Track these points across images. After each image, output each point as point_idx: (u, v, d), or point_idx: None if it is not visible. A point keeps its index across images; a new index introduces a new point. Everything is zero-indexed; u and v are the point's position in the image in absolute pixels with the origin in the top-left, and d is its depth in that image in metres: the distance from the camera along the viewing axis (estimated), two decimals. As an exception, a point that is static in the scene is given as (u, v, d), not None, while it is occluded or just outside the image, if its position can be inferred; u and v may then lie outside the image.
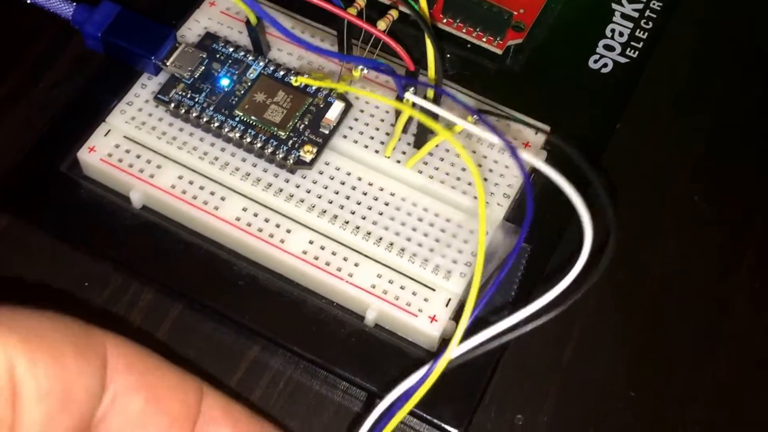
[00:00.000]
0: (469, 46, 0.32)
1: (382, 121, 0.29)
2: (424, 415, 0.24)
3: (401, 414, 0.20)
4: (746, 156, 0.31)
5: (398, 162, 0.28)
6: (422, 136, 0.27)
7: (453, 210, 0.27)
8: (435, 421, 0.24)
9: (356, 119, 0.29)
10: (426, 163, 0.28)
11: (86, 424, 0.16)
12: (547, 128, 0.29)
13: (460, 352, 0.21)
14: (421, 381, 0.21)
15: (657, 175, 0.30)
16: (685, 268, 0.28)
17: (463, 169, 0.28)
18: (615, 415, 0.25)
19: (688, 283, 0.28)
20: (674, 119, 0.31)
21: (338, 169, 0.27)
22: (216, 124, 0.27)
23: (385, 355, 0.25)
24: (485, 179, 0.28)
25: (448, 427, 0.24)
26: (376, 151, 0.28)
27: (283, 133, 0.27)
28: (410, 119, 0.28)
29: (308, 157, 0.27)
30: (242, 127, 0.27)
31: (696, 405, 0.26)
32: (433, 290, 0.25)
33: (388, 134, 0.28)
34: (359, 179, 0.27)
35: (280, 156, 0.27)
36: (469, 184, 0.27)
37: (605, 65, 0.32)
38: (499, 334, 0.22)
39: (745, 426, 0.26)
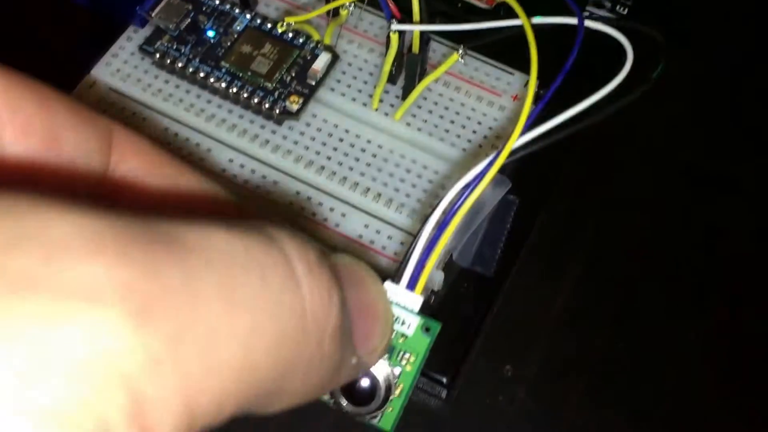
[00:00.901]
0: (459, 5, 0.31)
1: (371, 74, 0.28)
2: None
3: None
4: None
5: (386, 115, 0.28)
6: (410, 85, 0.27)
7: (441, 162, 0.27)
8: (423, 369, 0.24)
9: (344, 72, 0.28)
10: (414, 116, 0.28)
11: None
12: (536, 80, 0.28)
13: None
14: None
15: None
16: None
17: (452, 122, 0.27)
18: (603, 366, 0.25)
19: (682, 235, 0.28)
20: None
21: (325, 121, 0.27)
22: (202, 75, 0.27)
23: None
24: (474, 131, 0.27)
25: (436, 375, 0.24)
26: (364, 104, 0.28)
27: (269, 84, 0.27)
28: (398, 69, 0.27)
29: (294, 107, 0.27)
30: (228, 78, 0.27)
31: (681, 357, 0.26)
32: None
33: (376, 88, 0.28)
34: (346, 131, 0.27)
35: (267, 106, 0.27)
36: (458, 136, 0.27)
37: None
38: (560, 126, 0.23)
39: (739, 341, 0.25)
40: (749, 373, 0.25)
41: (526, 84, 0.28)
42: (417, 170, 0.26)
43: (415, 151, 0.27)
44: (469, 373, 0.25)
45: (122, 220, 0.12)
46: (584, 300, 0.26)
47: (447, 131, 0.27)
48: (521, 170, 0.27)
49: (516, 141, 0.22)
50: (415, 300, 0.19)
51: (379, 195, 0.26)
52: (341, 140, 0.27)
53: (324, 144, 0.27)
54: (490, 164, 0.21)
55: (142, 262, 0.11)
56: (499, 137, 0.27)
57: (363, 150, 0.27)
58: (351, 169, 0.26)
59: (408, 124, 0.27)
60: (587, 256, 0.27)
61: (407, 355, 0.19)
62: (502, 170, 0.27)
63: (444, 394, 0.24)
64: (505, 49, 0.28)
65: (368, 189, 0.26)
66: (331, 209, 0.26)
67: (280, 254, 0.13)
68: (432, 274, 0.25)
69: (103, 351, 0.10)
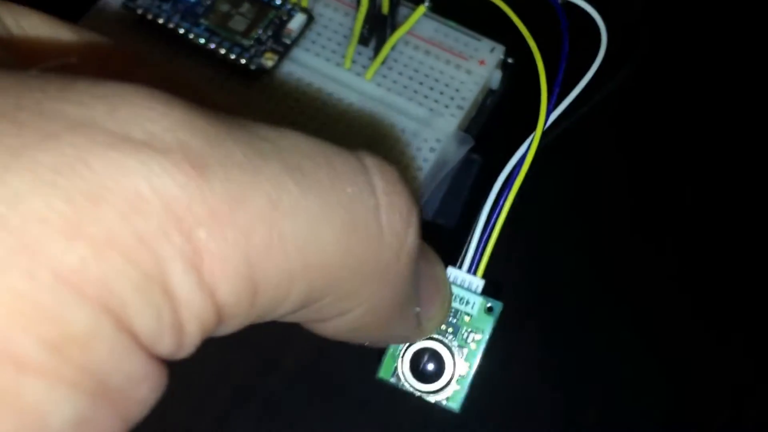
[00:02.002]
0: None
1: (345, 37, 0.30)
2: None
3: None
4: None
5: (358, 75, 0.29)
6: (381, 46, 0.28)
7: (408, 120, 0.28)
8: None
9: (319, 34, 0.29)
10: (385, 77, 0.29)
11: None
12: (502, 47, 0.30)
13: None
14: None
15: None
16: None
17: (421, 83, 0.29)
18: (560, 311, 0.26)
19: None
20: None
21: (299, 80, 0.28)
22: (181, 31, 0.28)
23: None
24: (441, 93, 0.29)
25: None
26: (338, 65, 0.29)
27: (246, 42, 0.28)
28: (370, 31, 0.29)
29: (269, 63, 0.28)
30: (207, 35, 0.28)
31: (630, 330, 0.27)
32: (385, 191, 0.26)
33: (348, 47, 0.29)
34: (319, 90, 0.28)
35: (243, 62, 0.28)
36: (426, 96, 0.28)
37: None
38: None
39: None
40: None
41: (492, 50, 0.29)
42: (385, 128, 0.28)
43: (384, 109, 0.28)
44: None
45: (191, 102, 0.11)
46: (546, 251, 0.28)
47: (415, 92, 0.28)
48: (487, 132, 0.29)
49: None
50: (477, 283, 0.20)
51: (348, 149, 0.27)
52: (314, 98, 0.28)
53: (297, 101, 0.28)
54: (528, 149, 0.22)
55: (206, 130, 0.11)
56: (465, 98, 0.28)
57: (335, 107, 0.28)
58: (324, 124, 0.27)
59: (379, 85, 0.29)
60: (551, 212, 0.28)
61: (472, 334, 0.19)
62: (466, 129, 0.29)
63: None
64: (474, 16, 0.29)
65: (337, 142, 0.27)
66: (302, 161, 0.27)
67: (356, 160, 0.13)
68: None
69: (161, 191, 0.10)
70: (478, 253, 0.20)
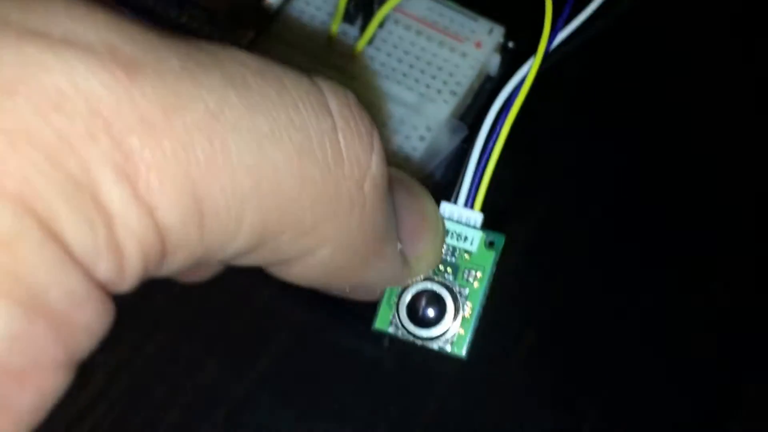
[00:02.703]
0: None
1: (329, 14, 0.27)
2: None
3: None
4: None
5: (343, 56, 0.26)
6: (368, 21, 0.26)
7: (396, 106, 0.26)
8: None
9: (302, 11, 0.27)
10: (372, 58, 0.26)
11: None
12: (502, 29, 0.27)
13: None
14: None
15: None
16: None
17: (411, 66, 0.26)
18: (551, 327, 0.24)
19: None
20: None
21: (279, 58, 0.26)
22: (150, 2, 0.26)
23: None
24: (433, 77, 0.26)
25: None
26: (321, 44, 0.27)
27: (221, 16, 0.26)
28: (356, 9, 0.26)
29: (244, 41, 0.25)
30: (178, 9, 0.26)
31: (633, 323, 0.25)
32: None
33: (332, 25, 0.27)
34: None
35: (216, 38, 0.25)
36: (416, 80, 0.26)
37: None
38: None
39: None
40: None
41: (490, 31, 0.27)
42: (371, 113, 0.25)
43: (371, 93, 0.26)
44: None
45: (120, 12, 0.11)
46: (545, 247, 0.25)
47: (404, 75, 0.26)
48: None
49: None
50: (476, 216, 0.18)
51: (329, 136, 0.25)
52: (293, 79, 0.26)
53: (275, 82, 0.26)
54: (528, 71, 0.20)
55: (135, 34, 0.10)
56: (459, 84, 0.26)
57: (315, 90, 0.26)
58: (302, 108, 0.25)
59: (365, 67, 0.26)
60: (549, 206, 0.26)
61: (473, 273, 0.17)
62: (460, 118, 0.26)
63: (387, 342, 0.23)
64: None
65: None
66: (278, 148, 0.24)
67: (309, 81, 0.12)
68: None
69: (84, 90, 0.09)
70: (475, 185, 0.18)
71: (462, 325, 0.17)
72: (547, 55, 0.20)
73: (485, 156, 0.18)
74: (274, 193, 0.11)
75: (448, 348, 0.17)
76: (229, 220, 0.11)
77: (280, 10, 0.26)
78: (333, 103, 0.12)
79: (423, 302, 0.17)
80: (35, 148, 0.09)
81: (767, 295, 0.25)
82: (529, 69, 0.20)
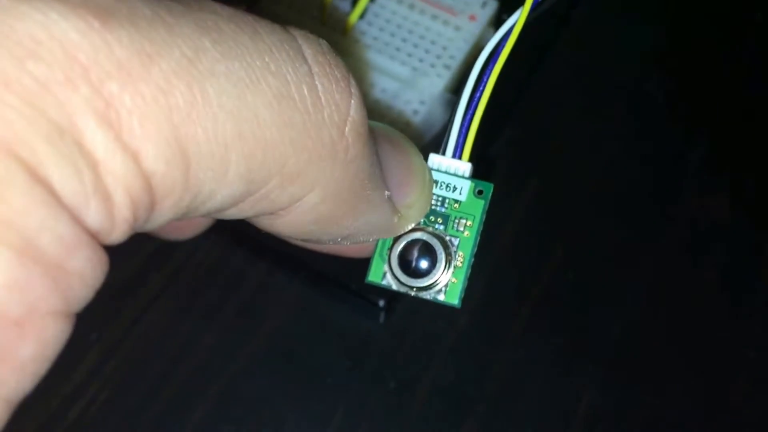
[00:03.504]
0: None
1: (322, -11, 0.27)
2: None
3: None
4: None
5: (335, 30, 0.26)
6: (359, -3, 0.26)
7: (389, 80, 0.25)
8: (361, 292, 0.23)
9: (293, -14, 0.27)
10: (364, 33, 0.26)
11: None
12: (496, 2, 0.27)
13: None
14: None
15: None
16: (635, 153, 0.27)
17: (404, 40, 0.26)
18: (547, 298, 0.24)
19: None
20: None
21: (270, 34, 0.26)
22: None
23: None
24: (426, 51, 0.26)
25: (372, 299, 0.23)
26: (313, 18, 0.26)
27: None
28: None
29: (235, 15, 0.25)
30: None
31: (634, 289, 0.24)
32: (362, 157, 0.24)
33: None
34: (292, 45, 0.26)
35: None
36: (409, 55, 0.26)
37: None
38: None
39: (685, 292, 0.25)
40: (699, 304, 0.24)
41: (484, 5, 0.27)
42: (363, 88, 0.25)
43: (363, 68, 0.25)
44: (409, 302, 0.24)
45: None
46: (533, 230, 0.25)
47: (398, 49, 0.26)
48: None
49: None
50: (464, 166, 0.18)
51: (322, 111, 0.24)
52: (285, 54, 0.25)
53: (267, 57, 0.25)
54: (513, 26, 0.20)
55: None
56: (453, 57, 0.26)
57: (308, 65, 0.25)
58: (294, 83, 0.25)
59: (357, 41, 0.26)
60: (541, 182, 0.26)
61: (463, 221, 0.17)
62: (455, 91, 0.26)
63: (382, 317, 0.23)
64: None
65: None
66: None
67: (282, 29, 0.12)
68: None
69: (59, 37, 0.09)
70: (462, 136, 0.18)
71: (454, 274, 0.17)
72: (536, 5, 0.20)
73: (472, 106, 0.18)
74: (257, 138, 0.11)
75: (441, 297, 0.17)
76: (215, 164, 0.11)
77: (271, -14, 0.26)
78: (307, 50, 0.12)
79: (415, 253, 0.17)
80: (15, 94, 0.09)
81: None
82: (517, 19, 0.19)
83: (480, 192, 0.18)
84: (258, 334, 0.24)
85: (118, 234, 0.10)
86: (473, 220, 0.17)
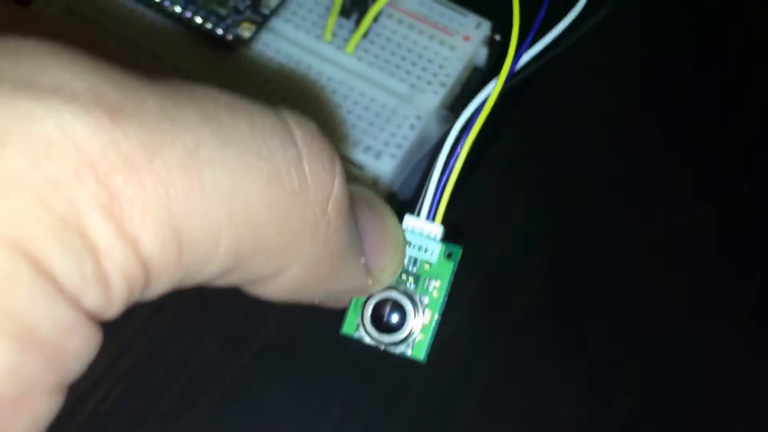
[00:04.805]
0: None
1: (326, 8, 0.29)
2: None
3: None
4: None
5: (339, 48, 0.28)
6: (363, 15, 0.27)
7: (389, 96, 0.27)
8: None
9: (300, 5, 0.29)
10: (366, 51, 0.28)
11: None
12: (489, 23, 0.29)
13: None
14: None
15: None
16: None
17: (403, 58, 0.28)
18: (540, 295, 0.26)
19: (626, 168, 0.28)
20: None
21: (278, 51, 0.27)
22: (157, 0, 0.27)
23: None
24: (424, 69, 0.28)
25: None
26: (317, 37, 0.28)
27: (223, 11, 0.27)
28: (352, 4, 0.28)
29: (247, 34, 0.27)
30: (183, 3, 0.27)
31: (615, 294, 0.26)
32: (362, 169, 0.26)
33: (328, 19, 0.28)
34: (298, 62, 0.27)
35: (220, 32, 0.27)
36: (408, 72, 0.28)
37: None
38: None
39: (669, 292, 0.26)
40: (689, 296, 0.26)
41: (478, 25, 0.29)
42: (364, 103, 0.27)
43: (364, 84, 0.27)
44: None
45: (101, 57, 0.11)
46: (525, 234, 0.27)
47: (397, 67, 0.28)
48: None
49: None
50: (436, 229, 0.20)
51: (324, 124, 0.26)
52: (291, 70, 0.27)
53: (275, 73, 0.27)
54: (490, 93, 0.21)
55: (117, 79, 0.11)
56: (449, 75, 0.28)
57: (313, 81, 0.27)
58: (298, 98, 0.27)
59: (360, 59, 0.28)
60: (531, 188, 0.28)
61: (433, 282, 0.19)
62: (449, 107, 0.28)
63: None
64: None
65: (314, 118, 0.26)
66: (277, 136, 0.26)
67: (275, 113, 0.13)
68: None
69: (71, 135, 0.10)
70: (436, 199, 0.20)
71: (422, 331, 0.19)
72: (511, 76, 0.22)
73: (446, 172, 0.20)
74: (247, 219, 0.12)
75: (409, 352, 0.19)
76: (206, 245, 0.12)
77: (279, 6, 0.28)
78: (297, 133, 0.13)
79: (386, 310, 0.18)
80: (27, 194, 0.10)
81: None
82: (493, 88, 0.21)
83: (450, 255, 0.19)
84: (260, 335, 0.25)
85: (113, 311, 0.11)
86: (442, 281, 0.19)
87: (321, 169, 0.13)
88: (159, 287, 0.12)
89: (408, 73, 0.28)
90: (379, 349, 0.19)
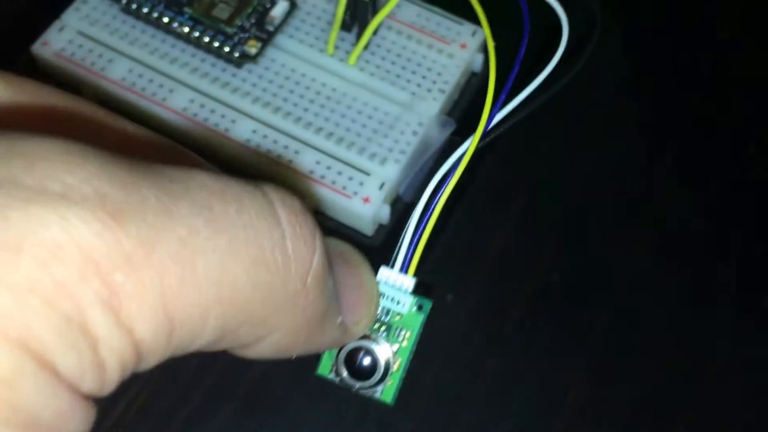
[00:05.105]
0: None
1: (329, 23, 0.30)
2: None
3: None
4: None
5: (341, 60, 0.29)
6: (363, 29, 0.29)
7: (391, 104, 0.28)
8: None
9: (303, 21, 0.30)
10: (368, 62, 0.29)
11: None
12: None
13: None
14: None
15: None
16: (612, 166, 0.30)
17: (403, 68, 0.29)
18: (539, 295, 0.27)
19: (615, 174, 0.29)
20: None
21: (283, 66, 0.29)
22: (165, 20, 0.28)
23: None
24: (423, 77, 0.29)
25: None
26: (321, 50, 0.29)
27: (229, 29, 0.28)
28: (353, 18, 0.29)
29: (253, 51, 0.28)
30: (191, 23, 0.28)
31: (614, 292, 0.27)
32: (368, 175, 0.27)
33: (330, 33, 0.29)
34: (303, 75, 0.29)
35: (227, 50, 0.28)
36: (408, 81, 0.29)
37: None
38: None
39: (661, 307, 0.27)
40: (689, 297, 0.27)
41: (474, 33, 0.30)
42: (368, 112, 0.28)
43: (367, 94, 0.28)
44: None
45: (107, 151, 0.12)
46: (524, 236, 0.28)
47: (398, 76, 0.29)
48: (470, 113, 0.29)
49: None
50: (408, 282, 0.21)
51: (331, 134, 0.27)
52: (297, 83, 0.28)
53: (281, 87, 0.28)
54: (464, 153, 0.23)
55: (121, 178, 0.12)
56: (447, 82, 0.29)
57: (317, 93, 0.28)
58: (305, 110, 0.28)
59: (362, 70, 0.29)
60: (529, 195, 0.29)
61: (403, 332, 0.20)
62: (448, 113, 0.29)
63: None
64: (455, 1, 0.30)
65: (321, 128, 0.27)
66: (285, 147, 0.27)
67: (262, 195, 0.14)
68: (379, 208, 0.27)
69: (78, 239, 0.11)
70: (410, 253, 0.21)
71: (391, 376, 0.20)
72: (486, 133, 0.23)
73: (421, 227, 0.21)
74: (233, 300, 0.13)
75: (378, 395, 0.20)
76: (195, 326, 0.12)
77: (283, 23, 0.29)
78: (281, 213, 0.14)
79: (359, 356, 0.20)
80: (35, 296, 0.11)
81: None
82: (468, 147, 0.22)
83: (420, 307, 0.21)
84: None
85: (107, 390, 0.12)
86: (412, 332, 0.20)
87: (302, 245, 0.14)
88: (150, 364, 0.13)
89: (408, 81, 0.29)
90: (351, 392, 0.20)
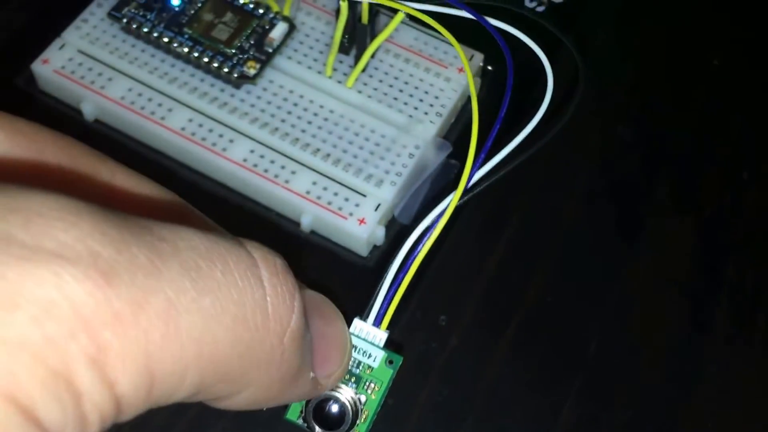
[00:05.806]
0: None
1: (327, 45, 0.30)
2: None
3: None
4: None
5: (339, 82, 0.29)
6: (361, 54, 0.29)
7: (388, 126, 0.28)
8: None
9: (301, 42, 0.30)
10: (365, 84, 0.29)
11: None
12: (481, 55, 0.30)
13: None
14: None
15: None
16: (609, 188, 0.30)
17: (401, 91, 0.29)
18: (532, 317, 0.27)
19: (613, 196, 0.30)
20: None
21: (281, 87, 0.29)
22: (165, 40, 0.29)
23: (319, 259, 0.27)
24: (420, 100, 0.29)
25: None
26: (319, 72, 0.29)
27: (229, 50, 0.29)
28: (351, 40, 0.29)
29: (251, 72, 0.28)
30: (191, 44, 0.29)
31: (606, 315, 0.27)
32: (364, 196, 0.27)
33: (329, 55, 0.30)
34: (301, 97, 0.29)
35: (225, 70, 0.28)
36: (405, 104, 0.29)
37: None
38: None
39: (658, 325, 0.27)
40: (670, 312, 0.27)
41: (471, 57, 0.30)
42: (365, 134, 0.28)
43: (365, 116, 0.29)
44: (406, 322, 0.27)
45: (100, 207, 0.13)
46: (516, 256, 0.28)
47: (395, 99, 0.29)
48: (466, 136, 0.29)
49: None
50: (381, 336, 0.21)
51: (328, 155, 0.28)
52: (295, 105, 0.29)
53: (279, 108, 0.28)
54: (445, 209, 0.23)
55: (112, 237, 0.12)
56: (444, 105, 0.29)
57: (315, 114, 0.28)
58: (303, 131, 0.28)
59: (359, 92, 0.29)
60: (521, 217, 0.29)
61: (372, 385, 0.21)
62: (445, 136, 0.29)
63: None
64: (454, 24, 0.30)
65: (318, 149, 0.28)
66: (282, 167, 0.27)
67: (247, 255, 0.14)
68: (374, 230, 0.27)
69: (70, 297, 0.11)
70: (384, 308, 0.21)
71: (358, 427, 0.20)
72: (466, 192, 0.23)
73: (395, 285, 0.22)
74: (212, 356, 0.13)
75: None
76: (174, 381, 0.13)
77: (282, 45, 0.29)
78: (264, 274, 0.14)
79: (329, 403, 0.20)
80: (26, 351, 0.11)
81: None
82: (447, 206, 0.23)
83: (390, 362, 0.21)
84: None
85: None
86: (381, 386, 0.21)
87: (282, 305, 0.15)
88: (128, 416, 0.13)
89: (406, 104, 0.29)
90: None
